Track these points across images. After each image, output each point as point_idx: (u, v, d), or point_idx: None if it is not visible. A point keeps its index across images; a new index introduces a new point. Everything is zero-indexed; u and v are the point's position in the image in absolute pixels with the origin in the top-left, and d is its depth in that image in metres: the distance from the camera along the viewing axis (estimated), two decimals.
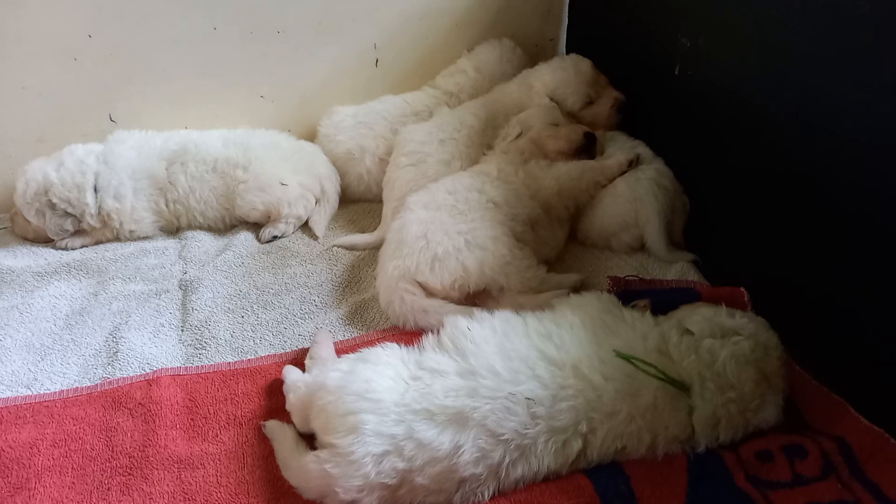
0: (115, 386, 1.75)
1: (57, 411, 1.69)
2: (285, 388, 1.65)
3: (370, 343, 1.74)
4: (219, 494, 1.49)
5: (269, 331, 1.95)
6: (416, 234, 1.95)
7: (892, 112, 1.44)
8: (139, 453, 1.57)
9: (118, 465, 1.56)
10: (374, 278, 2.05)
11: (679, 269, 2.04)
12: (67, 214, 2.27)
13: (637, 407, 1.45)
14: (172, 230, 2.39)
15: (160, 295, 2.09)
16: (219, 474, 1.53)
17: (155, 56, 2.43)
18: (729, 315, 1.58)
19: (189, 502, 1.48)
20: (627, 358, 1.50)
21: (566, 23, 2.83)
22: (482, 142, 2.37)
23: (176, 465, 1.54)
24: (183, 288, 2.12)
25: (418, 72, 2.71)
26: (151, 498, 1.49)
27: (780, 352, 1.53)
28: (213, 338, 1.91)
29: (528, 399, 1.42)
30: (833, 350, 1.64)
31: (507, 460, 1.40)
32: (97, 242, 2.34)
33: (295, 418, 1.58)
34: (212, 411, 1.68)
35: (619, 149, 2.25)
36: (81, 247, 2.32)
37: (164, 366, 1.81)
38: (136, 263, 2.24)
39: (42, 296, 2.08)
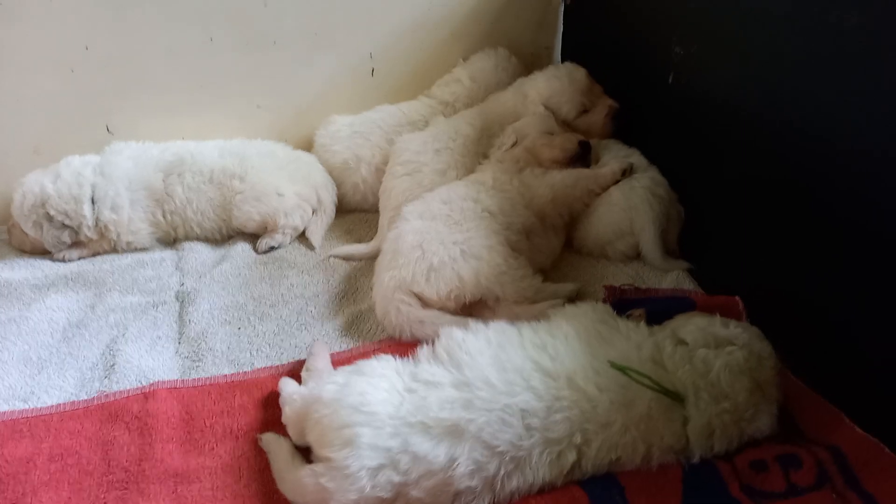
0: (112, 399, 1.75)
1: (54, 425, 1.69)
2: (281, 400, 1.65)
3: (367, 354, 1.73)
4: None
5: (266, 342, 1.95)
6: (411, 245, 1.96)
7: (884, 120, 1.45)
8: (135, 467, 1.58)
9: (114, 479, 1.56)
10: (371, 289, 2.06)
11: (674, 278, 2.04)
12: (65, 226, 2.28)
13: (631, 417, 1.45)
14: (169, 241, 2.39)
15: (157, 307, 2.10)
16: (215, 488, 1.53)
17: (151, 67, 2.44)
18: (723, 325, 1.58)
19: None
20: (622, 368, 1.50)
21: (561, 31, 2.84)
22: (477, 151, 2.37)
23: (172, 479, 1.55)
24: (180, 299, 2.13)
25: (414, 81, 2.72)
26: None
27: (773, 361, 1.54)
28: (210, 350, 1.91)
29: (523, 410, 1.42)
30: (827, 358, 1.65)
31: (502, 472, 1.40)
32: (94, 254, 2.34)
33: (291, 431, 1.58)
34: (208, 424, 1.68)
35: (614, 157, 2.26)
36: (79, 258, 2.32)
37: (161, 378, 1.81)
38: (134, 275, 2.24)
39: (39, 308, 2.08)
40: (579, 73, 2.47)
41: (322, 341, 1.90)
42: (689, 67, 2.07)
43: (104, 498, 1.52)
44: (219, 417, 1.70)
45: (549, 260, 2.16)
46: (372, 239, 2.33)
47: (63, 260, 2.31)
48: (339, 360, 1.81)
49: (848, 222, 1.58)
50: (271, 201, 2.33)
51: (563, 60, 2.78)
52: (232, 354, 1.90)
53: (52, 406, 1.75)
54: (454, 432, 1.40)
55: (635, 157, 2.25)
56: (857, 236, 1.56)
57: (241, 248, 2.34)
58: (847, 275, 1.61)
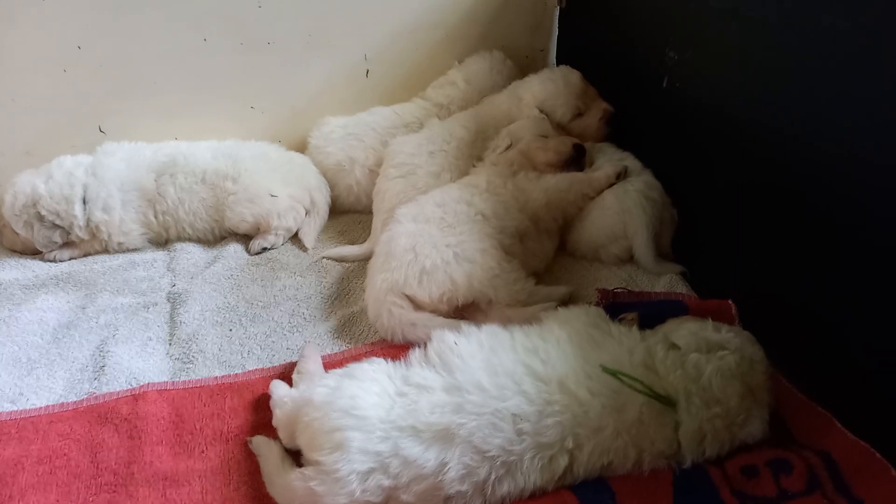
0: (102, 401, 1.74)
1: (42, 427, 1.68)
2: (272, 403, 1.65)
3: (358, 357, 1.73)
4: None
5: (258, 344, 1.94)
6: (404, 247, 1.95)
7: (877, 125, 1.45)
8: (124, 470, 1.57)
9: (103, 482, 1.55)
10: (363, 291, 2.05)
11: (667, 281, 2.04)
12: (56, 226, 2.27)
13: (623, 422, 1.45)
14: (161, 242, 2.39)
15: (148, 308, 2.09)
16: (204, 491, 1.52)
17: (145, 67, 2.43)
18: (715, 329, 1.58)
19: None
20: (614, 373, 1.50)
21: (556, 35, 2.84)
22: (472, 153, 2.37)
23: (161, 482, 1.54)
24: (171, 301, 2.12)
25: (409, 83, 2.71)
26: None
27: (765, 366, 1.53)
28: (201, 351, 1.90)
29: (514, 415, 1.41)
30: (820, 362, 1.65)
31: (493, 477, 1.39)
32: (86, 254, 2.33)
33: (281, 434, 1.57)
34: (198, 427, 1.67)
35: (608, 161, 2.26)
36: (70, 259, 2.31)
37: (151, 380, 1.80)
38: (125, 276, 2.23)
39: (30, 309, 2.07)
40: (574, 77, 2.47)
41: (314, 344, 1.90)
42: (684, 72, 2.07)
43: (92, 501, 1.51)
44: (209, 420, 1.69)
45: (542, 263, 2.16)
46: (365, 241, 2.33)
47: (54, 260, 2.30)
48: (330, 363, 1.81)
49: (841, 226, 1.58)
50: (264, 203, 2.33)
51: (557, 63, 2.79)
52: (223, 356, 1.90)
53: (41, 408, 1.74)
54: (445, 436, 1.39)
55: (629, 161, 2.25)
56: (850, 240, 1.56)
57: (234, 250, 2.33)
58: (840, 279, 1.61)
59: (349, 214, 2.53)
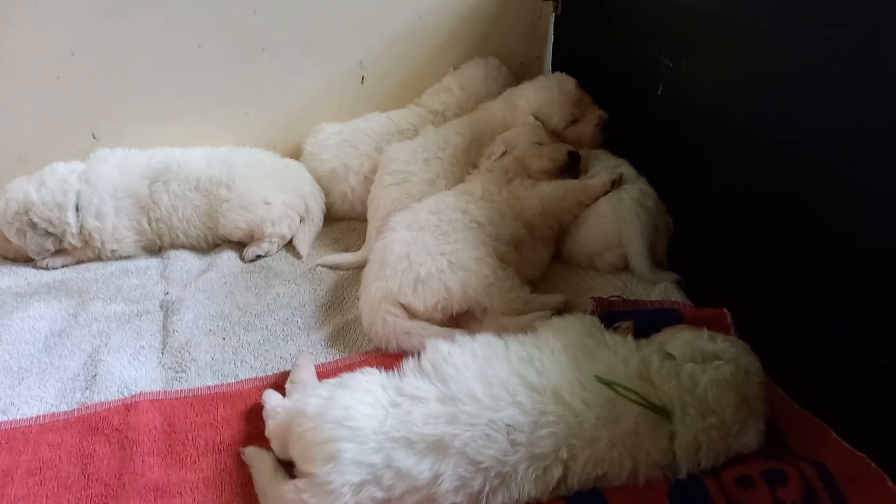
0: (93, 411, 1.72)
1: (33, 437, 1.66)
2: (265, 413, 1.63)
3: (352, 366, 1.72)
4: None
5: (251, 353, 1.93)
6: (398, 255, 1.94)
7: (872, 131, 1.45)
8: (115, 481, 1.55)
9: (94, 493, 1.53)
10: (358, 299, 2.04)
11: (663, 289, 2.04)
12: (48, 234, 2.25)
13: (618, 433, 1.44)
14: (155, 249, 2.37)
15: (141, 316, 2.07)
16: (196, 502, 1.51)
17: (139, 74, 2.42)
18: (710, 339, 1.57)
19: None
20: (608, 383, 1.49)
21: (551, 42, 2.84)
22: (467, 161, 2.37)
23: (152, 494, 1.52)
24: (164, 309, 2.10)
25: (404, 90, 2.71)
26: None
27: (760, 376, 1.53)
28: (194, 360, 1.89)
29: (508, 426, 1.40)
30: (818, 369, 1.64)
31: (487, 488, 1.38)
32: (78, 262, 2.32)
33: (274, 445, 1.56)
34: (190, 437, 1.65)
35: (603, 168, 2.26)
36: (62, 266, 2.30)
37: (144, 389, 1.78)
38: (118, 283, 2.22)
39: (21, 317, 2.05)
40: (569, 84, 2.47)
41: (307, 353, 1.89)
42: (678, 79, 2.07)
43: None
44: (201, 430, 1.67)
45: (538, 272, 2.15)
46: (360, 248, 2.32)
47: (46, 268, 2.29)
48: (324, 372, 1.79)
49: (837, 234, 1.57)
50: (258, 210, 2.32)
51: (552, 71, 2.79)
52: (216, 365, 1.88)
53: (32, 418, 1.72)
54: (438, 447, 1.38)
55: (624, 168, 2.25)
56: (847, 248, 1.56)
57: (228, 257, 2.32)
58: (837, 286, 1.60)
59: (344, 222, 2.53)
